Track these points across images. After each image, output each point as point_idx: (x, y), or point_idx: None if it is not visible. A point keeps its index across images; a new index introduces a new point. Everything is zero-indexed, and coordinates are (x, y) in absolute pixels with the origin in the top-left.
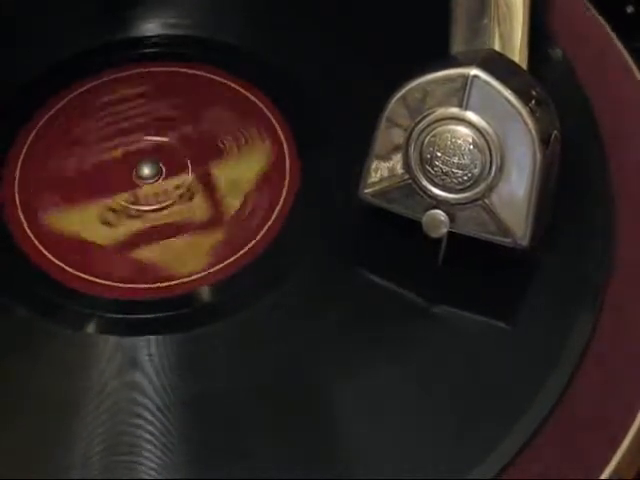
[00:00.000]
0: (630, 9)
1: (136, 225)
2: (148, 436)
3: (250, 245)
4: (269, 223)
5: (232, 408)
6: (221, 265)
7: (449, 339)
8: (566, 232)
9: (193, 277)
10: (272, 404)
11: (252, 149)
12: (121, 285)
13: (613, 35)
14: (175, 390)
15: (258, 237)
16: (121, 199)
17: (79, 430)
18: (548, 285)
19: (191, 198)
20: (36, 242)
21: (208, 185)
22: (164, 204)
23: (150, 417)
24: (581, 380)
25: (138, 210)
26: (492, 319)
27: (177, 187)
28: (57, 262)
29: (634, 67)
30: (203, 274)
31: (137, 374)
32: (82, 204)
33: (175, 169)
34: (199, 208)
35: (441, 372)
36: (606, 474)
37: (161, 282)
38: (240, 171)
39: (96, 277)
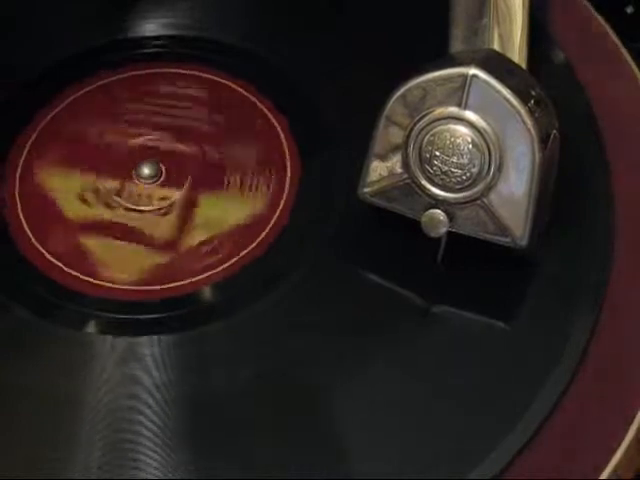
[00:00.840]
0: (630, 9)
1: (105, 214)
2: (147, 436)
3: (250, 244)
4: (269, 223)
5: (232, 408)
6: (222, 266)
7: (449, 339)
8: (566, 232)
9: (194, 276)
10: (272, 404)
11: (249, 198)
12: (121, 286)
13: (613, 35)
14: (175, 390)
15: (259, 238)
16: (109, 184)
17: (79, 430)
18: (548, 285)
19: (165, 214)
20: (36, 242)
21: (187, 211)
22: (140, 208)
23: (150, 417)
24: (581, 380)
25: (116, 202)
26: (492, 319)
27: (161, 199)
28: (56, 262)
29: (634, 67)
30: (203, 275)
31: (137, 374)
32: (73, 170)
33: (172, 181)
34: (165, 226)
35: (441, 372)
36: (605, 474)
37: (163, 281)
38: (223, 213)
39: (96, 277)
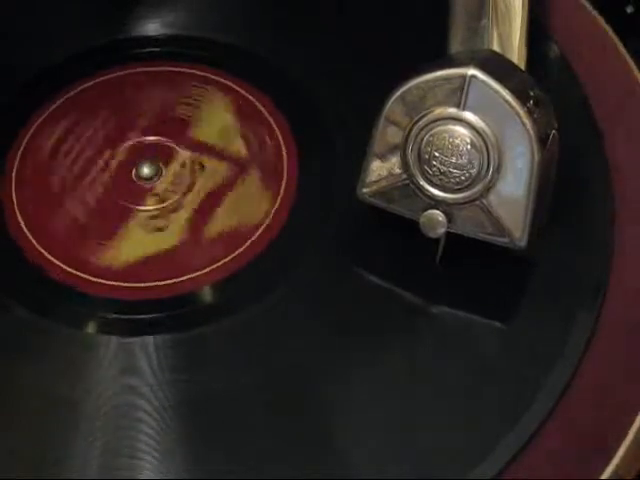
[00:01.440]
0: (630, 9)
1: (184, 213)
2: (147, 436)
3: (250, 245)
4: (268, 222)
5: (232, 408)
6: (222, 266)
7: (449, 339)
8: (566, 232)
9: (193, 276)
10: (272, 404)
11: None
12: (121, 285)
13: (613, 35)
14: (174, 390)
15: (258, 237)
16: (149, 205)
17: (79, 430)
18: (548, 285)
19: (202, 166)
20: (35, 242)
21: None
22: (187, 185)
23: (150, 417)
24: (581, 380)
25: (173, 202)
26: (492, 319)
27: (183, 165)
28: (57, 262)
29: (634, 67)
30: (203, 275)
31: (137, 374)
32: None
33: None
34: (217, 171)
35: (441, 372)
36: (606, 474)
37: (163, 280)
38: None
39: (96, 277)
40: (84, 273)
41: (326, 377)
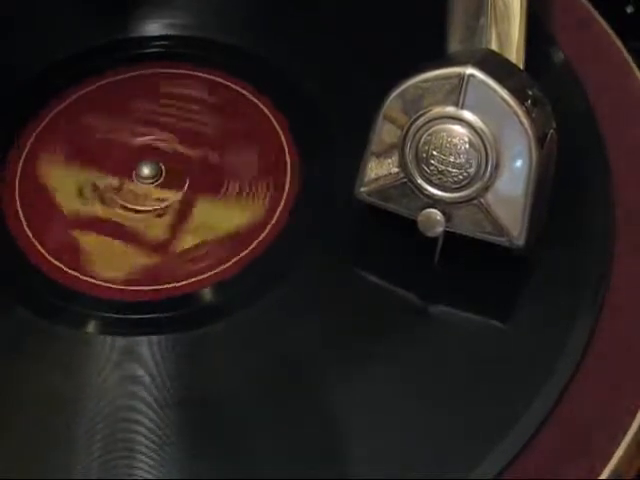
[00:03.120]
0: (630, 9)
1: (100, 211)
2: (147, 437)
3: (250, 245)
4: (268, 223)
5: (231, 408)
6: (222, 266)
7: (449, 339)
8: (566, 232)
9: (194, 276)
10: (272, 404)
11: (249, 198)
12: (121, 286)
13: (613, 35)
14: (175, 391)
15: (259, 238)
16: (109, 184)
17: (79, 430)
18: (548, 285)
19: (160, 216)
20: (35, 242)
21: (182, 214)
22: (136, 207)
23: (149, 417)
24: (581, 380)
25: (112, 200)
26: (492, 319)
27: (158, 200)
28: (56, 263)
29: (634, 67)
30: (203, 275)
31: (136, 374)
32: (73, 170)
33: (172, 181)
34: (158, 228)
35: (440, 372)
36: (606, 474)
37: (162, 281)
38: (223, 213)
39: (96, 277)
40: (84, 273)
41: (326, 377)
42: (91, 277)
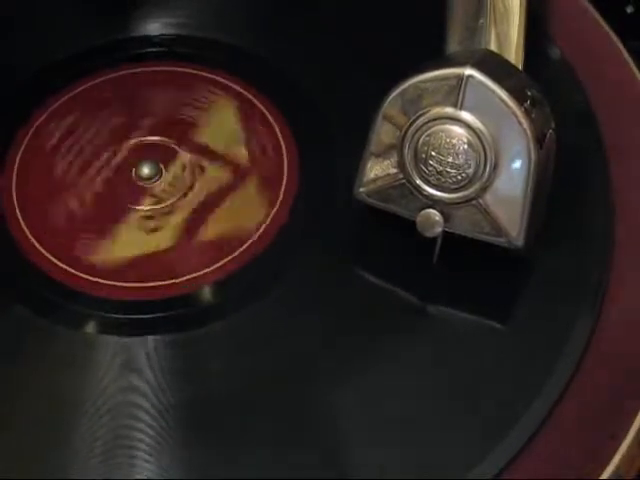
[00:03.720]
0: (630, 9)
1: (180, 216)
2: (147, 436)
3: (249, 244)
4: (268, 222)
5: (231, 408)
6: (222, 266)
7: (449, 339)
8: (566, 232)
9: (193, 275)
10: (272, 404)
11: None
12: (121, 285)
13: (613, 35)
14: (174, 390)
15: (257, 237)
16: (146, 205)
17: (79, 430)
18: (548, 285)
19: (203, 170)
20: (35, 242)
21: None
22: (186, 187)
23: (149, 417)
24: (581, 380)
25: (169, 204)
26: (492, 319)
27: (183, 168)
28: (56, 262)
29: (634, 67)
30: (203, 275)
31: (136, 374)
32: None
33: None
34: (217, 171)
35: (440, 372)
36: (606, 474)
37: (162, 280)
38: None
39: (96, 277)
40: (84, 273)
41: (326, 377)
42: (91, 276)
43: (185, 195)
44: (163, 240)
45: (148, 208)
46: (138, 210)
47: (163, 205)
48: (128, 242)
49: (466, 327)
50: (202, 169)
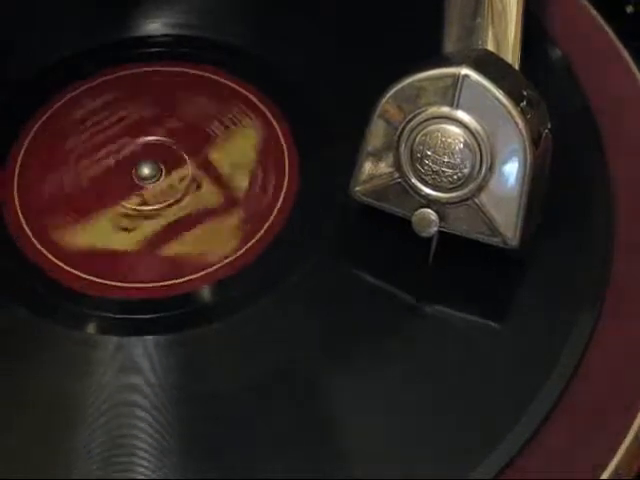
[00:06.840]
0: (630, 9)
1: (155, 224)
2: (147, 436)
3: (249, 245)
4: (269, 223)
5: (231, 408)
6: (222, 266)
7: (448, 339)
8: (565, 231)
9: (193, 276)
10: (272, 404)
11: (241, 129)
12: (121, 285)
13: (613, 35)
14: (174, 390)
15: (258, 237)
16: (130, 203)
17: (79, 430)
18: (547, 285)
19: (199, 187)
20: (36, 242)
21: (211, 171)
22: (174, 199)
23: (149, 417)
24: (581, 380)
25: (152, 210)
26: (491, 319)
27: (181, 179)
28: (57, 262)
29: (634, 67)
30: (203, 275)
31: (137, 374)
32: (92, 217)
33: (174, 164)
34: (210, 194)
35: (440, 372)
36: (606, 474)
37: (161, 284)
38: (237, 150)
39: (96, 277)
40: (84, 273)
41: (325, 377)
42: (91, 276)
43: (170, 206)
44: (128, 242)
45: (131, 207)
46: (122, 205)
47: (146, 208)
48: (95, 232)
49: (466, 327)
50: (199, 186)
